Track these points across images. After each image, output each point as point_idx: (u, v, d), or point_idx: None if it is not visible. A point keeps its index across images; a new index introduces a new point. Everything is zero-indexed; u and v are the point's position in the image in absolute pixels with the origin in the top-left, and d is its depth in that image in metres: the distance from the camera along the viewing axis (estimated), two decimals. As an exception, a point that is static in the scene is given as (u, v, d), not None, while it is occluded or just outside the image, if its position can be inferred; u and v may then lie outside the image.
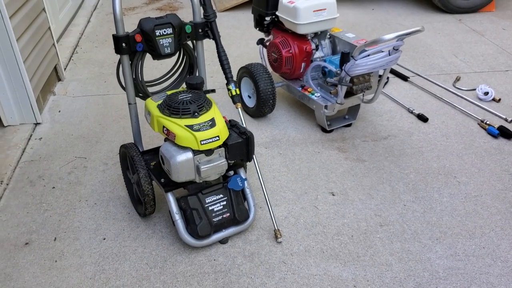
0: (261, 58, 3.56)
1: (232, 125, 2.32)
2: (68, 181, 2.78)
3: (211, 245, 2.31)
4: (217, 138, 2.13)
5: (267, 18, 3.36)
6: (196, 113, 2.16)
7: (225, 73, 2.41)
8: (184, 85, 2.50)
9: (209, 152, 2.16)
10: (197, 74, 2.52)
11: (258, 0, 3.35)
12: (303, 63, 3.24)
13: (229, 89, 2.40)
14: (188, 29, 2.33)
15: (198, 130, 2.10)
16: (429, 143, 3.09)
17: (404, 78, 3.94)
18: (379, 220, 2.46)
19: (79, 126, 3.32)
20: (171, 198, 2.24)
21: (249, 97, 3.41)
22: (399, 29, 5.13)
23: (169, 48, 2.28)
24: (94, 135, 3.22)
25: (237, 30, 5.12)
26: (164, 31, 2.25)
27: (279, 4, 3.21)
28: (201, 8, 2.39)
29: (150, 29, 2.21)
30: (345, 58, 2.81)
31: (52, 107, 3.59)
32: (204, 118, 2.16)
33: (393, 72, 4.02)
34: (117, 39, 2.19)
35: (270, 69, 3.44)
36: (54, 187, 2.72)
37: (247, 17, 5.47)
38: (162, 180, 2.28)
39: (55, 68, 3.89)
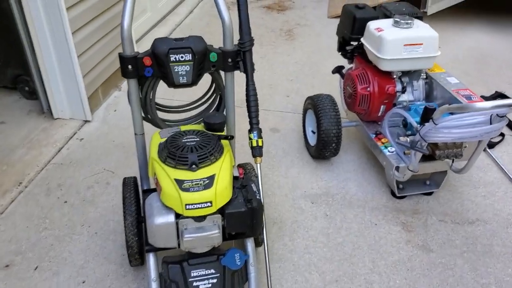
0: (340, 89, 2.97)
1: (243, 185, 1.83)
2: (83, 197, 2.52)
3: (191, 327, 1.86)
4: (209, 204, 1.66)
5: (352, 43, 2.76)
6: (194, 165, 1.70)
7: (250, 117, 1.90)
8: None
9: (200, 218, 1.71)
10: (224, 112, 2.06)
11: (344, 21, 2.76)
12: (382, 106, 2.59)
13: (250, 138, 1.90)
14: (213, 57, 1.87)
15: (187, 189, 1.65)
16: (532, 244, 2.27)
17: (527, 139, 3.04)
18: None
19: (125, 132, 3.06)
20: (151, 261, 1.81)
21: (313, 132, 2.85)
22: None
23: (185, 77, 1.85)
24: (135, 146, 2.93)
25: (341, 42, 4.49)
26: (181, 57, 1.81)
27: (365, 30, 2.58)
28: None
29: (164, 53, 1.79)
30: (429, 115, 2.13)
31: (110, 104, 3.39)
32: (203, 173, 1.70)
33: (511, 127, 3.14)
34: (122, 60, 1.81)
35: (344, 104, 2.84)
36: (66, 201, 2.49)
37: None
38: (149, 234, 1.87)
39: (128, 61, 3.70)
